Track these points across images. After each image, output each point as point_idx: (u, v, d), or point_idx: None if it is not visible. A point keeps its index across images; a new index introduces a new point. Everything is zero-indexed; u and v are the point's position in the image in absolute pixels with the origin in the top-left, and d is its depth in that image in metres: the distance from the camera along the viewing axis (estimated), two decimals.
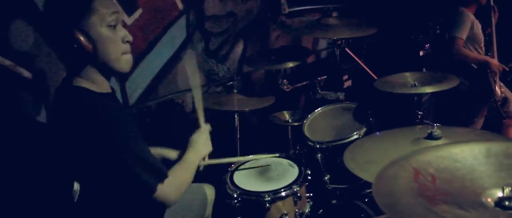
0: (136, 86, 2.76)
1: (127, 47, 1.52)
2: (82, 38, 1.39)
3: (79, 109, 1.42)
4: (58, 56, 1.51)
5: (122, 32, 1.50)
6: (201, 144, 1.78)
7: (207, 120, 1.89)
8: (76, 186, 1.46)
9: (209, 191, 2.13)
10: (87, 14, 1.41)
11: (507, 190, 0.95)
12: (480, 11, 3.52)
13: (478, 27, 3.45)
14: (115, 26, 1.47)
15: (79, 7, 1.41)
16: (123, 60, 1.51)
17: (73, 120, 1.42)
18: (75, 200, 1.47)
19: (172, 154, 1.94)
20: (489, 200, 0.97)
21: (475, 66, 3.41)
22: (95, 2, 1.42)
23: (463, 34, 3.35)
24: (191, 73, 1.95)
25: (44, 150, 2.10)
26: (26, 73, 2.19)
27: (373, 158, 1.65)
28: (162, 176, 1.50)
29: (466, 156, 1.11)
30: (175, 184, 1.55)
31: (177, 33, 2.96)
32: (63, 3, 1.41)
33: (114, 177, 1.45)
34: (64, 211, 1.58)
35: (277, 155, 2.31)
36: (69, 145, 1.46)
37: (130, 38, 1.52)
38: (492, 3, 3.49)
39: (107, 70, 1.52)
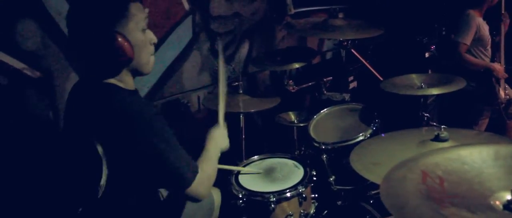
0: (142, 86, 2.77)
1: (153, 49, 1.54)
2: (125, 44, 1.39)
3: (118, 104, 1.42)
4: (85, 60, 1.48)
5: (150, 35, 1.52)
6: (220, 137, 1.79)
7: (212, 120, 1.89)
8: (103, 180, 1.44)
9: (216, 194, 2.13)
10: (126, 19, 1.41)
11: None
12: (489, 12, 3.47)
13: (484, 29, 3.41)
14: (145, 29, 1.49)
15: (119, 12, 1.41)
16: (151, 62, 1.55)
17: (108, 113, 1.41)
18: (100, 196, 1.45)
19: None
20: (497, 203, 0.97)
21: (481, 69, 3.40)
22: (132, 7, 1.43)
23: (467, 40, 3.32)
24: (221, 74, 1.99)
25: (54, 148, 2.12)
26: (34, 73, 2.20)
27: (379, 160, 1.65)
28: (196, 171, 1.50)
29: (474, 158, 1.11)
30: (206, 179, 1.55)
31: (183, 33, 2.97)
32: (103, 7, 1.40)
33: (149, 169, 1.43)
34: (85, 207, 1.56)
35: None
36: (100, 137, 1.43)
37: (155, 40, 1.54)
38: (503, 10, 3.44)
39: (136, 73, 1.53)
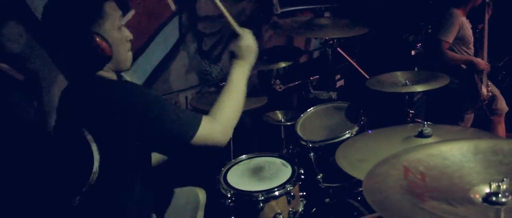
0: None
1: (129, 45, 1.56)
2: (103, 44, 1.41)
3: (106, 85, 1.45)
4: (65, 61, 1.49)
5: (125, 32, 1.53)
6: (244, 52, 1.66)
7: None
8: (96, 166, 1.43)
9: (201, 194, 2.13)
10: (102, 19, 1.43)
11: (494, 186, 0.97)
12: (473, 11, 3.52)
13: (467, 28, 3.46)
14: (121, 27, 1.51)
15: (94, 13, 1.43)
16: (129, 58, 1.56)
17: (97, 97, 1.42)
18: (93, 182, 1.44)
19: None
20: (477, 196, 0.99)
21: (464, 66, 3.44)
22: (106, 6, 1.45)
23: (450, 37, 3.36)
24: None
25: (40, 150, 2.11)
26: (19, 75, 2.19)
27: (365, 156, 1.67)
28: (197, 120, 1.46)
29: (455, 153, 1.14)
30: (218, 121, 1.50)
31: (170, 34, 2.97)
32: (78, 9, 1.42)
33: (148, 134, 1.41)
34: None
35: None
36: (89, 122, 1.42)
37: (131, 36, 1.56)
38: None
39: (116, 70, 1.55)
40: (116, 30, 1.48)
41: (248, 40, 1.68)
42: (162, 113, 1.41)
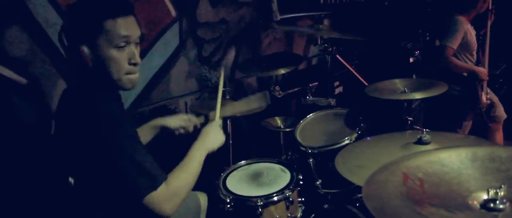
0: (129, 92, 2.76)
1: (132, 68, 1.52)
2: (85, 54, 1.45)
3: (83, 106, 1.44)
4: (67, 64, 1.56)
5: (130, 53, 1.50)
6: (212, 135, 1.76)
7: (199, 126, 1.91)
8: (71, 179, 1.47)
9: (203, 199, 2.14)
10: (97, 34, 1.44)
11: (491, 192, 0.99)
12: (477, 18, 3.51)
13: (471, 35, 3.45)
14: (124, 47, 1.48)
15: (90, 26, 1.44)
16: (126, 79, 1.52)
17: (76, 116, 1.44)
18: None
19: (170, 121, 2.00)
20: (475, 202, 1.01)
21: (465, 74, 3.45)
22: (107, 23, 1.44)
23: (455, 44, 3.35)
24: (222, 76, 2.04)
25: (39, 153, 2.11)
26: (21, 79, 2.19)
27: (364, 163, 1.69)
28: (156, 183, 1.44)
29: (453, 160, 1.16)
30: (170, 195, 1.47)
31: (170, 39, 2.98)
32: (78, 19, 1.46)
33: (107, 176, 1.43)
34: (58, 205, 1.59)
35: None
36: (69, 142, 1.47)
37: (137, 60, 1.52)
38: (490, 5, 3.49)
39: (117, 86, 1.54)
40: (113, 48, 1.46)
41: (218, 126, 1.84)
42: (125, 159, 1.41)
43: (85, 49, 1.43)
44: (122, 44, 1.47)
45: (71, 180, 1.48)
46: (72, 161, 1.51)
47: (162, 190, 1.44)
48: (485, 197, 1.01)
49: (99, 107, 1.44)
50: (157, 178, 1.45)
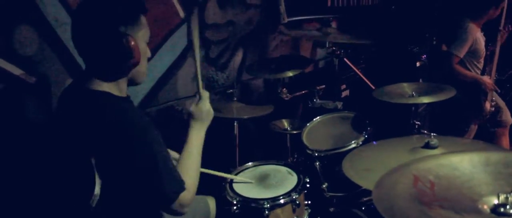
0: (137, 93, 2.78)
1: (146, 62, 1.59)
2: (136, 48, 1.44)
3: (106, 112, 1.44)
4: (96, 59, 1.50)
5: (148, 49, 1.57)
6: (204, 115, 1.73)
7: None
8: (97, 190, 1.46)
9: (212, 203, 2.14)
10: (138, 27, 1.46)
11: (502, 197, 0.98)
12: (488, 24, 3.46)
13: (481, 43, 3.39)
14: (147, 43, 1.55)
15: (133, 19, 1.45)
16: (146, 73, 1.60)
17: (101, 123, 1.42)
18: (94, 205, 1.47)
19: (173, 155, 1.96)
20: (485, 206, 1.01)
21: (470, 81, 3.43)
22: (142, 18, 1.49)
23: (461, 53, 3.29)
24: (194, 33, 1.86)
25: (48, 154, 2.12)
26: (31, 79, 2.21)
27: (371, 166, 1.69)
28: (182, 186, 1.49)
29: (465, 164, 1.15)
30: (188, 193, 1.51)
31: (178, 41, 2.99)
32: (120, 9, 1.44)
33: (136, 183, 1.44)
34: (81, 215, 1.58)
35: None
36: (92, 148, 1.45)
37: (150, 54, 1.59)
38: (502, 26, 3.45)
39: (132, 81, 1.57)
40: (144, 43, 1.51)
41: (208, 104, 1.76)
42: (150, 163, 1.41)
43: (133, 41, 1.42)
44: (147, 40, 1.53)
45: (96, 192, 1.47)
46: (97, 164, 1.48)
47: (184, 192, 1.49)
48: (495, 201, 1.00)
49: (126, 113, 1.46)
50: (180, 181, 1.50)
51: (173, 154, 1.82)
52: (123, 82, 1.54)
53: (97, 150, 1.45)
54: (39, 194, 2.13)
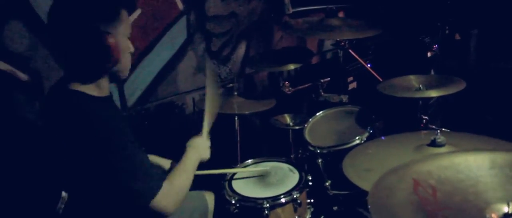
0: (135, 88, 2.73)
1: (130, 57, 1.56)
2: (115, 45, 1.39)
3: (75, 113, 1.40)
4: (70, 58, 1.45)
5: (130, 43, 1.53)
6: (201, 147, 1.77)
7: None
8: (64, 193, 1.43)
9: (210, 199, 2.10)
10: (117, 22, 1.42)
11: None
12: None
13: None
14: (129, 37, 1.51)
15: (112, 14, 1.41)
16: (128, 68, 1.56)
17: (69, 124, 1.40)
18: (62, 208, 1.44)
19: (164, 163, 1.94)
20: (493, 216, 0.91)
21: None
22: (122, 12, 1.45)
23: None
24: (209, 83, 1.97)
25: (38, 152, 2.08)
26: (22, 75, 2.17)
27: (373, 165, 1.60)
28: (158, 186, 1.45)
29: (469, 166, 1.05)
30: (173, 193, 1.50)
31: (177, 34, 2.92)
32: (96, 7, 1.40)
33: (107, 185, 1.42)
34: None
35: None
36: (62, 149, 1.44)
37: (133, 49, 1.56)
38: None
39: (114, 77, 1.54)
40: (125, 38, 1.48)
41: (208, 142, 1.84)
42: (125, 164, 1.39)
43: (112, 39, 1.38)
44: (129, 34, 1.50)
45: (64, 195, 1.44)
46: (66, 166, 1.47)
47: (166, 188, 1.46)
48: (505, 210, 0.90)
49: (93, 113, 1.42)
50: (158, 179, 1.47)
51: (159, 161, 1.88)
52: (104, 81, 1.50)
53: (66, 149, 1.43)
54: (13, 191, 2.10)
